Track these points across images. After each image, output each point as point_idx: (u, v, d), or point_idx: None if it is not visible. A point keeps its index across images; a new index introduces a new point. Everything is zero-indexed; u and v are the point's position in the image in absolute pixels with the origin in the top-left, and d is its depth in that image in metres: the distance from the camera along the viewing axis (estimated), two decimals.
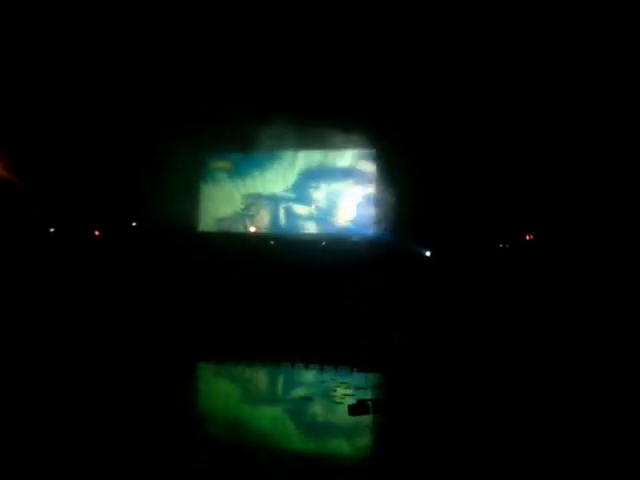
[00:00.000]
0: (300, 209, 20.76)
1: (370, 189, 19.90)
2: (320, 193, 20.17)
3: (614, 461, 5.94)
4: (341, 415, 7.57)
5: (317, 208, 20.07)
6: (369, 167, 19.95)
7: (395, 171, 18.58)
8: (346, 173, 20.12)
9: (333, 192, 20.11)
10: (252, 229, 20.62)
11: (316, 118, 17.92)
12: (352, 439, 7.02)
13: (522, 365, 10.23)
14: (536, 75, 16.61)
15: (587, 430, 6.89)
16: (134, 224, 20.09)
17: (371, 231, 19.35)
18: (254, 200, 20.93)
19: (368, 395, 8.36)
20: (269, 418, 7.84)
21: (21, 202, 17.75)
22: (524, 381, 9.18)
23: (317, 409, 8.16)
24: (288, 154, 20.45)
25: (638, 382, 8.91)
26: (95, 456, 5.94)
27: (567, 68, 16.35)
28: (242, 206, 20.86)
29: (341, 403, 8.00)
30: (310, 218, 20.19)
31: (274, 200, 21.00)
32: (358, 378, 9.80)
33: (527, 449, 6.27)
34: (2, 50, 16.44)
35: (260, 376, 10.68)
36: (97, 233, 19.71)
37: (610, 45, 16.19)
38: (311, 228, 20.13)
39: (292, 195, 20.71)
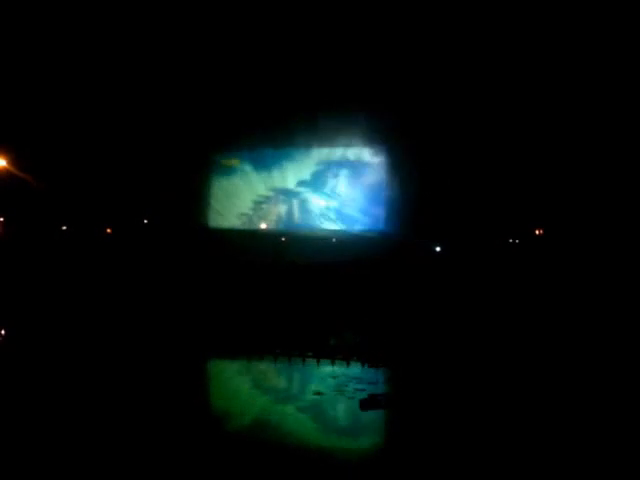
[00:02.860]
0: (312, 204, 20.87)
1: (381, 185, 19.98)
2: (330, 189, 20.31)
3: (614, 461, 5.98)
4: (353, 409, 7.67)
5: (327, 204, 20.22)
6: (380, 163, 20.04)
7: (406, 168, 18.62)
8: (357, 169, 20.20)
9: (344, 188, 20.25)
10: (263, 225, 20.72)
11: (326, 115, 18.00)
12: (363, 433, 7.11)
13: (531, 359, 10.24)
14: (545, 73, 16.56)
15: (588, 428, 6.90)
16: (145, 221, 20.28)
17: (382, 226, 19.43)
18: (266, 195, 21.13)
19: (379, 390, 8.47)
20: (282, 412, 7.93)
21: (35, 201, 17.97)
22: (533, 375, 9.19)
23: (329, 404, 8.21)
24: (299, 151, 20.54)
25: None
26: (103, 452, 6.06)
27: (574, 66, 16.28)
28: (253, 202, 21.07)
29: (353, 398, 8.07)
30: (322, 213, 20.33)
31: (286, 195, 21.11)
32: (369, 373, 9.81)
33: (535, 445, 6.30)
34: (23, 57, 16.69)
35: (272, 372, 10.71)
36: (109, 230, 19.89)
37: (610, 44, 16.08)
38: (323, 224, 20.28)
39: (303, 190, 20.83)
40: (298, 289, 17.19)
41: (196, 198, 20.47)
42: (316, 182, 20.80)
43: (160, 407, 7.73)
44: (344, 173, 20.65)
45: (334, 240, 19.66)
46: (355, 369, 10.07)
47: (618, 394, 8.04)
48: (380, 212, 19.79)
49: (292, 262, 18.12)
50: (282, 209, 20.96)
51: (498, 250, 17.67)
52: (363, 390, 8.42)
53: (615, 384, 8.53)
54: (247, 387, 9.68)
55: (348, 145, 20.13)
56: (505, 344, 11.44)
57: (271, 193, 21.04)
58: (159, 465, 5.82)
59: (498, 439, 6.59)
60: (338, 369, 10.04)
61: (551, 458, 5.98)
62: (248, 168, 21.28)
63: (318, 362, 10.52)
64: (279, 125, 18.48)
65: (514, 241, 18.87)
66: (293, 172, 20.94)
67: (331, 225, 20.47)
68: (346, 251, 18.07)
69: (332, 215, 20.62)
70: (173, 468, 5.75)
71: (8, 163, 15.66)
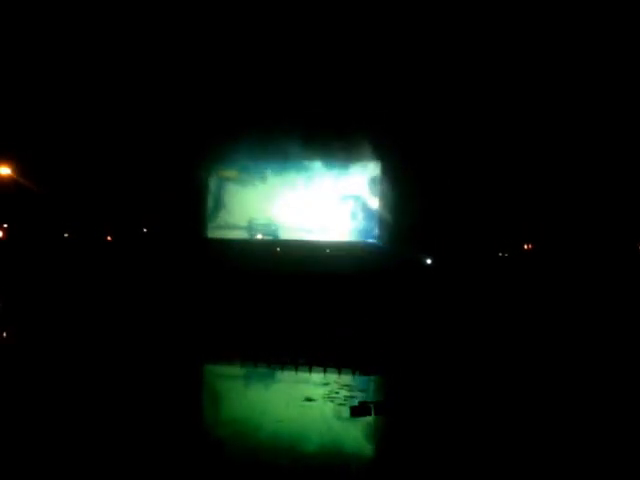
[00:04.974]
0: (310, 214, 21.07)
1: (374, 199, 20.28)
2: (325, 202, 20.56)
3: (614, 461, 6.14)
4: (343, 416, 7.83)
5: (322, 217, 20.48)
6: (373, 178, 20.34)
7: (398, 182, 18.92)
8: (351, 183, 20.48)
9: (338, 202, 20.50)
10: (259, 236, 20.95)
11: (321, 131, 18.26)
12: (354, 440, 7.24)
13: (521, 369, 10.42)
14: (537, 92, 16.85)
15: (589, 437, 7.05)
16: (145, 230, 20.42)
17: (374, 239, 19.70)
18: (264, 207, 21.35)
19: (370, 397, 8.70)
20: (273, 419, 8.04)
21: (38, 208, 18.10)
22: (524, 385, 9.39)
23: (320, 410, 8.35)
24: (295, 164, 20.78)
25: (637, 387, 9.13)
26: (99, 457, 6.14)
27: (568, 83, 16.58)
28: (252, 213, 21.30)
29: (343, 405, 8.24)
30: (316, 226, 20.56)
31: (283, 206, 21.32)
32: (360, 380, 9.98)
33: (528, 453, 6.43)
34: (28, 67, 16.88)
35: (264, 378, 10.84)
36: (109, 238, 20.02)
37: (614, 54, 16.31)
38: (317, 236, 20.49)
39: (298, 203, 21.05)
40: (292, 298, 17.31)
41: (194, 208, 20.65)
42: (313, 194, 21.00)
43: (151, 412, 7.85)
44: (340, 186, 20.89)
45: (327, 251, 19.87)
46: (346, 377, 10.22)
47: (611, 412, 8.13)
48: (374, 225, 20.04)
49: (286, 272, 18.29)
50: (279, 220, 21.12)
51: (488, 263, 17.98)
52: (354, 397, 8.59)
53: (607, 401, 8.62)
54: (239, 393, 9.88)
55: (343, 159, 20.40)
56: (495, 354, 11.62)
57: (268, 205, 21.22)
58: (148, 472, 5.90)
59: (491, 449, 6.72)
60: (330, 376, 10.19)
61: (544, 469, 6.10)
62: (247, 180, 21.48)
63: (310, 369, 10.69)
64: (277, 138, 18.72)
65: (503, 255, 19.19)
66: (291, 184, 21.17)
67: (325, 237, 20.68)
68: (339, 262, 18.27)
69: (328, 227, 20.84)
70: (162, 474, 5.84)
71: (12, 171, 15.88)
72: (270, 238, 20.98)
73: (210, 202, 21.62)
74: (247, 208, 21.51)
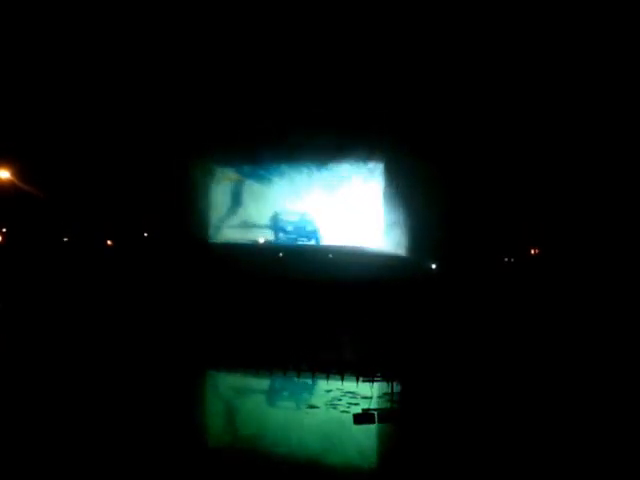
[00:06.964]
0: (310, 219, 21.01)
1: (378, 203, 20.19)
2: (328, 206, 20.48)
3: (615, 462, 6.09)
4: (347, 424, 7.70)
5: (325, 221, 20.39)
6: (377, 181, 20.26)
7: (403, 186, 18.84)
8: (354, 187, 20.42)
9: (341, 206, 20.42)
10: (261, 240, 20.85)
11: (325, 133, 18.23)
12: (357, 448, 7.09)
13: (527, 375, 10.33)
14: (544, 96, 16.78)
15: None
16: (146, 234, 20.44)
17: (378, 244, 19.58)
18: (265, 210, 21.27)
19: (373, 405, 8.50)
20: (276, 426, 7.95)
21: (38, 212, 18.11)
22: (529, 391, 9.26)
23: (323, 418, 8.24)
24: (297, 168, 20.73)
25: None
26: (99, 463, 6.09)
27: (573, 88, 16.51)
28: (252, 216, 21.22)
29: (347, 412, 8.13)
30: (319, 231, 20.48)
31: (284, 209, 21.27)
32: (364, 388, 9.88)
33: (535, 462, 6.34)
34: (28, 73, 16.96)
35: (267, 385, 10.79)
36: (110, 243, 20.05)
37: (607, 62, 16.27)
38: (320, 240, 20.40)
39: (300, 206, 20.98)
40: (294, 304, 17.23)
41: (195, 212, 20.61)
42: (313, 197, 20.93)
43: (152, 419, 7.77)
44: (342, 189, 20.82)
45: (330, 256, 19.79)
46: (349, 383, 10.12)
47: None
48: (377, 229, 19.94)
49: (289, 277, 18.19)
50: (280, 224, 21.03)
51: (494, 268, 17.87)
52: (357, 404, 8.49)
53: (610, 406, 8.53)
54: (241, 400, 9.76)
55: (345, 162, 20.35)
56: (500, 359, 11.52)
57: (269, 208, 21.15)
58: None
59: (495, 461, 6.62)
60: (333, 383, 10.11)
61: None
62: (248, 183, 21.45)
63: (313, 376, 10.60)
64: (278, 141, 18.72)
65: (509, 260, 19.09)
66: (291, 188, 21.11)
67: (327, 241, 20.59)
68: (342, 267, 18.19)
69: (329, 231, 20.74)
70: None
71: (12, 175, 15.88)
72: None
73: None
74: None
